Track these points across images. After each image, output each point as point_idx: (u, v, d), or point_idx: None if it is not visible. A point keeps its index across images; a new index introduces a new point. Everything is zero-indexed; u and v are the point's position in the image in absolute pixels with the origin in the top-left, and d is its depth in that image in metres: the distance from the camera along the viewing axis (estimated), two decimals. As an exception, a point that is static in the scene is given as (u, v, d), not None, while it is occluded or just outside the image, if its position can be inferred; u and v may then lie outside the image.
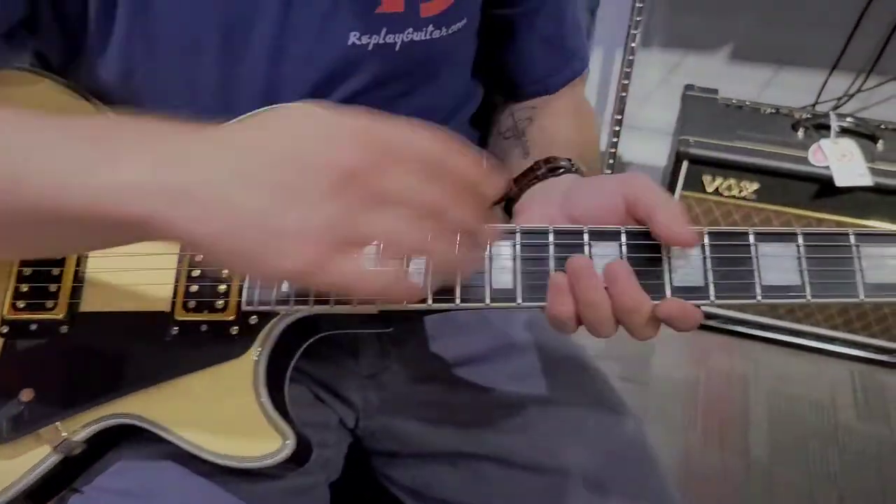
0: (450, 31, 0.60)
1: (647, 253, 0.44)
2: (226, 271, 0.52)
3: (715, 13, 1.80)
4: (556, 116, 0.71)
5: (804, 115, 1.60)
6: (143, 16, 0.52)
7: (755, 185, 1.53)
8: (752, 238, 0.43)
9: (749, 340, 1.78)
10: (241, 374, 0.51)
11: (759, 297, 0.42)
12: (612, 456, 0.65)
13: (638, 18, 1.71)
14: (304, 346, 0.55)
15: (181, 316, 0.52)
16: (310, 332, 0.55)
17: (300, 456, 0.51)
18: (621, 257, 0.44)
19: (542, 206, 0.53)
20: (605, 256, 0.44)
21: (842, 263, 0.43)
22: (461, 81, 0.68)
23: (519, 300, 0.46)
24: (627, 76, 1.85)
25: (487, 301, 0.46)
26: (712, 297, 0.43)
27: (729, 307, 0.46)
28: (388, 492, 0.71)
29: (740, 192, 1.54)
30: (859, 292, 0.43)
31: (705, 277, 0.43)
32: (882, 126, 1.58)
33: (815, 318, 1.68)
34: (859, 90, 1.77)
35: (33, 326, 0.54)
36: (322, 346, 0.67)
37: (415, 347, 0.71)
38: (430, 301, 0.46)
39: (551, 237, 0.45)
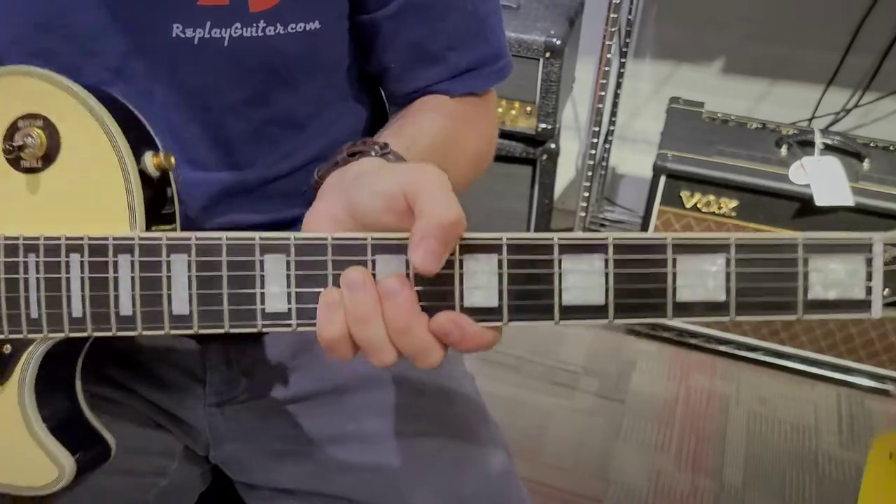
0: (289, 30, 0.56)
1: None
2: None
3: (707, 26, 1.76)
4: (423, 112, 0.64)
5: (790, 132, 1.56)
6: None
7: (734, 202, 1.49)
8: (555, 251, 0.40)
9: (732, 360, 1.73)
10: (8, 404, 0.49)
11: (556, 320, 0.40)
12: (464, 500, 0.62)
13: (627, 29, 1.68)
14: (79, 362, 0.52)
15: None
16: (78, 349, 0.52)
17: (93, 464, 0.50)
18: (407, 273, 0.41)
19: (329, 200, 0.47)
20: (391, 272, 0.41)
21: (652, 279, 0.40)
22: (332, 92, 0.63)
23: (293, 323, 0.43)
24: (619, 87, 1.83)
25: (259, 326, 0.43)
26: (505, 320, 0.40)
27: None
28: None
29: (720, 208, 1.50)
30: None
31: (500, 297, 0.40)
32: (871, 144, 1.53)
33: (799, 339, 1.63)
34: (856, 106, 1.72)
35: None
36: (168, 373, 0.66)
37: (267, 376, 0.68)
38: (196, 328, 0.44)
39: (329, 250, 0.42)
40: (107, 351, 0.62)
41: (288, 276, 0.43)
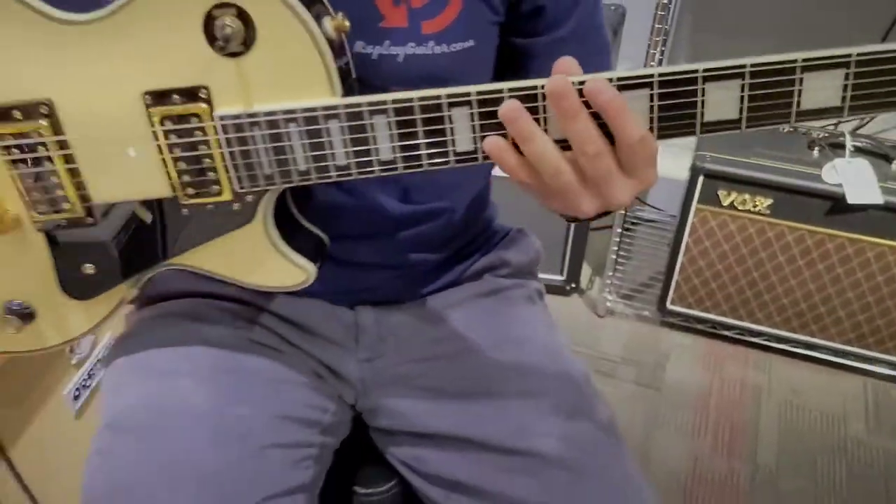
0: (452, 49, 0.67)
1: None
2: (207, 159, 0.60)
3: (737, 34, 1.85)
4: None
5: (821, 135, 1.64)
6: None
7: (769, 201, 1.58)
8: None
9: (763, 352, 1.82)
10: (257, 236, 0.63)
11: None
12: (583, 444, 0.72)
13: (662, 38, 1.77)
14: (293, 201, 0.67)
15: (186, 201, 0.61)
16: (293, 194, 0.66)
17: (322, 257, 0.67)
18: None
19: None
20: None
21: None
22: None
23: (479, 157, 0.55)
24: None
25: (452, 162, 0.56)
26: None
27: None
28: (387, 462, 0.80)
29: (755, 206, 1.59)
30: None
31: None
32: (898, 146, 1.62)
33: (828, 332, 1.72)
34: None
35: (63, 223, 0.63)
36: (328, 332, 0.77)
37: (411, 336, 0.79)
38: (400, 169, 0.57)
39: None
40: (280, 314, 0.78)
41: (472, 126, 0.55)
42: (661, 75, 0.52)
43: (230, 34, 0.54)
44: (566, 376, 0.78)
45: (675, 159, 1.97)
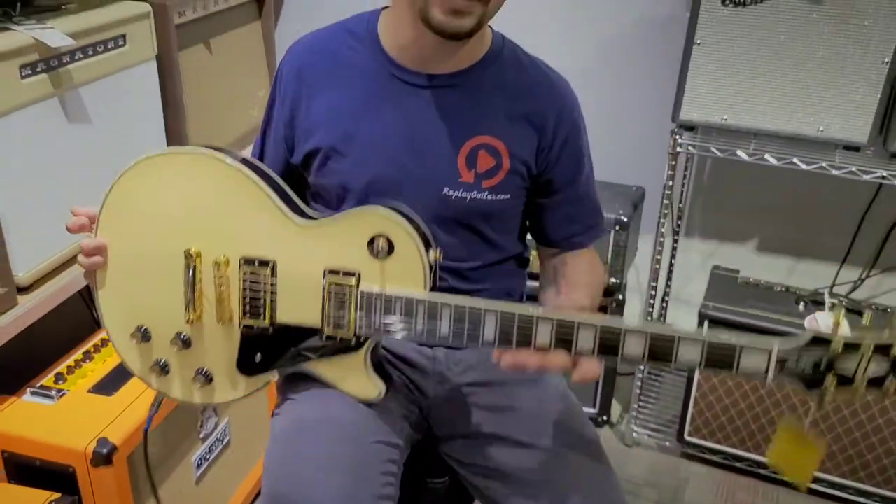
0: (498, 198, 1.12)
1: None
2: (346, 311, 1.02)
3: (743, 213, 2.27)
4: (577, 267, 1.21)
5: (806, 294, 2.00)
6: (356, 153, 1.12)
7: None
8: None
9: (771, 483, 2.07)
10: (357, 362, 1.03)
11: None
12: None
13: (679, 213, 2.20)
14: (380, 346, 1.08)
15: (327, 332, 1.02)
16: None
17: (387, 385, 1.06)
18: None
19: None
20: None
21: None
22: (509, 238, 1.20)
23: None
24: (673, 258, 2.32)
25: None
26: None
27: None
28: (444, 462, 1.18)
29: (751, 349, 1.93)
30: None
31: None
32: (872, 306, 1.96)
33: (826, 466, 1.97)
34: (865, 278, 2.15)
35: (255, 327, 1.04)
36: (415, 359, 1.18)
37: (470, 366, 1.19)
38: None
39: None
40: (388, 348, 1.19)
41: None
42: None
43: (381, 249, 0.98)
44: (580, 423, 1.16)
45: (688, 309, 2.33)
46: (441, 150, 1.09)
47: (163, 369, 1.09)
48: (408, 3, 1.04)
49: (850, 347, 0.89)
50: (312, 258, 1.01)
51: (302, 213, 1.03)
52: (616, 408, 2.37)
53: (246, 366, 1.07)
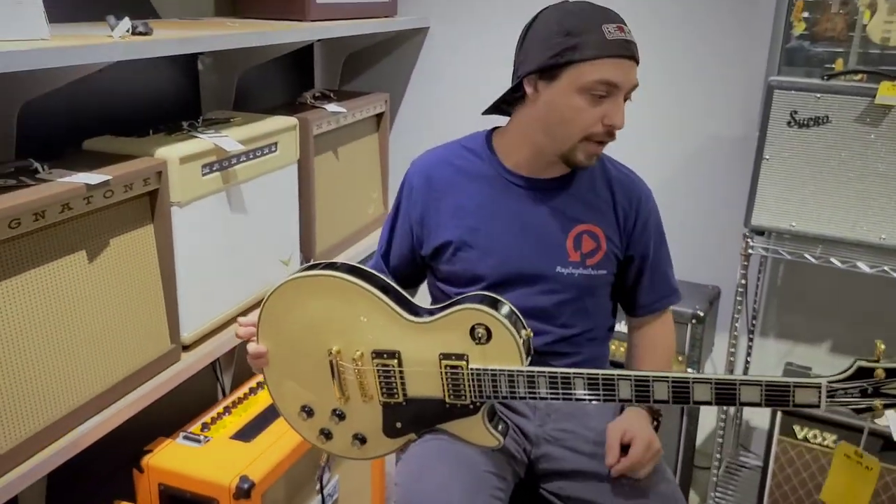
0: (597, 273, 1.38)
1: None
2: (460, 384, 1.24)
3: (816, 314, 2.41)
4: (655, 331, 1.47)
5: (878, 391, 2.11)
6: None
7: (834, 437, 2.03)
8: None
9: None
10: (477, 421, 1.25)
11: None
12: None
13: (751, 314, 2.36)
14: (495, 406, 1.28)
15: (449, 401, 1.24)
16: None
17: (505, 436, 1.26)
18: None
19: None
20: None
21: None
22: (602, 309, 1.44)
23: None
24: (748, 356, 2.46)
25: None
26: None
27: None
28: (545, 499, 1.38)
29: (823, 440, 2.04)
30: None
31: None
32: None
33: (902, 561, 2.02)
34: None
35: (391, 402, 1.27)
36: (522, 408, 1.40)
37: (562, 415, 1.40)
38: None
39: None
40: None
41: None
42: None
43: (481, 336, 1.21)
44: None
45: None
46: (552, 237, 1.37)
47: (327, 437, 1.35)
48: (528, 139, 1.36)
49: (892, 372, 1.06)
50: (429, 347, 1.23)
51: (411, 309, 1.26)
52: (694, 498, 2.47)
53: (390, 431, 1.31)
